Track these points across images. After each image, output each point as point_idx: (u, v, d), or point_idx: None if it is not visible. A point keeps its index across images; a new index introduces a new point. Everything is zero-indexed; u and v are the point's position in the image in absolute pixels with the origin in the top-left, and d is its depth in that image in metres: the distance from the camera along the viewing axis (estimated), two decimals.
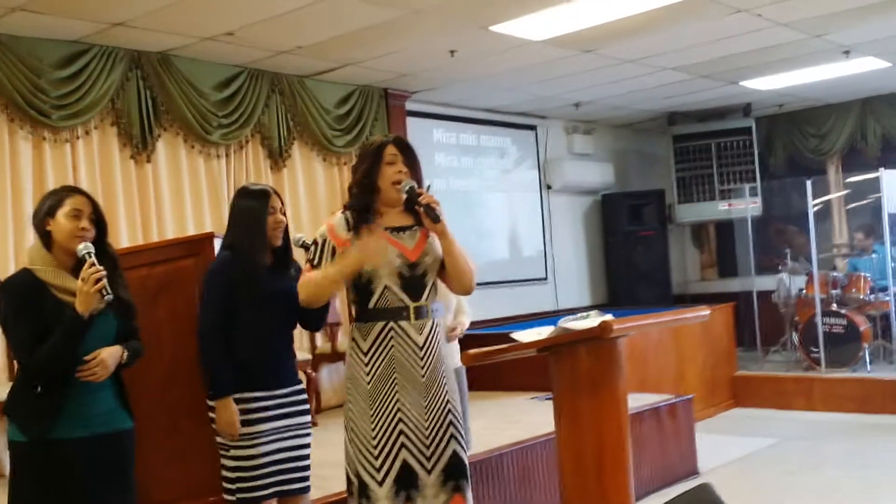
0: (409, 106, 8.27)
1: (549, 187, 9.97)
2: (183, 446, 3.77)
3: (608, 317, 2.71)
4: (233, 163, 6.84)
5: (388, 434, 2.93)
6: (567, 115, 9.96)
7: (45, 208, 2.79)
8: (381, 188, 3.04)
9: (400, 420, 2.94)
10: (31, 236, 5.46)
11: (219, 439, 3.24)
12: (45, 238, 2.76)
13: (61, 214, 2.75)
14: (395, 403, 2.95)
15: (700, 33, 6.85)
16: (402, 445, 2.93)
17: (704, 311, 3.21)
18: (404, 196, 3.03)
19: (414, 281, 2.99)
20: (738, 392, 8.71)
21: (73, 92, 5.79)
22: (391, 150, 3.06)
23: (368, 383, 2.96)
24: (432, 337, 3.01)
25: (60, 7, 5.20)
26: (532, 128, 9.83)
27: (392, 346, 2.97)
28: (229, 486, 3.23)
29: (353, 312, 3.11)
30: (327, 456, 4.90)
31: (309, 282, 3.01)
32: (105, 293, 2.66)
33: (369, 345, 2.98)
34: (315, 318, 3.35)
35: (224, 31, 5.95)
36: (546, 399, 6.68)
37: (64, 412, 2.68)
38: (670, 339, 7.79)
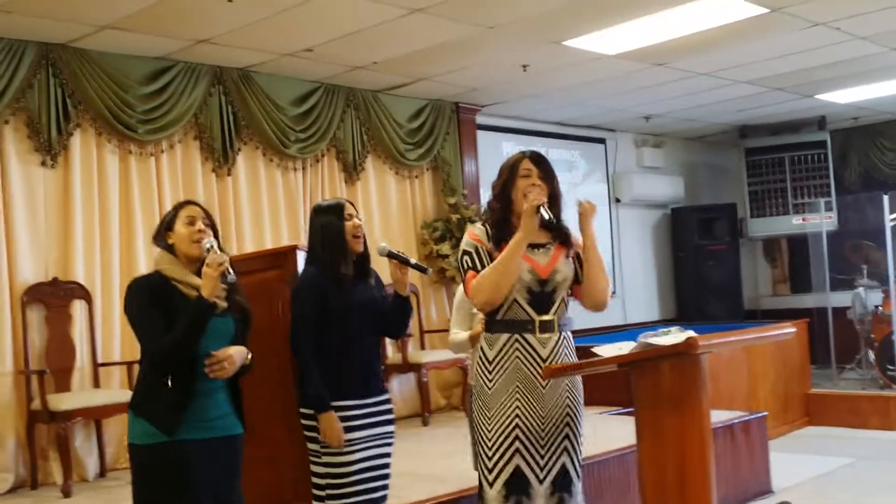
0: (480, 119, 8.34)
1: (617, 200, 9.94)
2: (269, 454, 3.85)
3: (691, 333, 2.72)
4: (309, 176, 6.99)
5: (503, 438, 3.00)
6: (637, 128, 9.93)
7: (164, 225, 2.98)
8: (514, 200, 3.11)
9: (517, 426, 3.00)
10: (116, 246, 5.73)
11: (310, 446, 3.33)
12: (169, 251, 2.94)
13: (178, 225, 2.94)
14: (513, 411, 3.01)
15: (775, 47, 6.79)
16: (517, 451, 3.00)
17: (789, 329, 3.20)
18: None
19: (543, 296, 3.07)
20: (812, 410, 8.53)
21: (158, 107, 5.99)
22: (526, 165, 3.14)
23: (490, 390, 3.05)
24: (557, 350, 3.06)
25: (147, 25, 5.40)
26: (601, 141, 9.82)
27: (516, 357, 3.04)
28: (319, 492, 3.31)
29: (484, 324, 3.19)
30: (400, 466, 4.98)
31: (483, 280, 3.03)
32: (227, 274, 2.80)
33: (494, 354, 3.06)
34: (398, 324, 3.47)
35: (303, 48, 6.10)
36: (617, 414, 6.65)
37: (187, 413, 2.80)
38: (742, 356, 7.68)
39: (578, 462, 3.12)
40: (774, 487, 6.08)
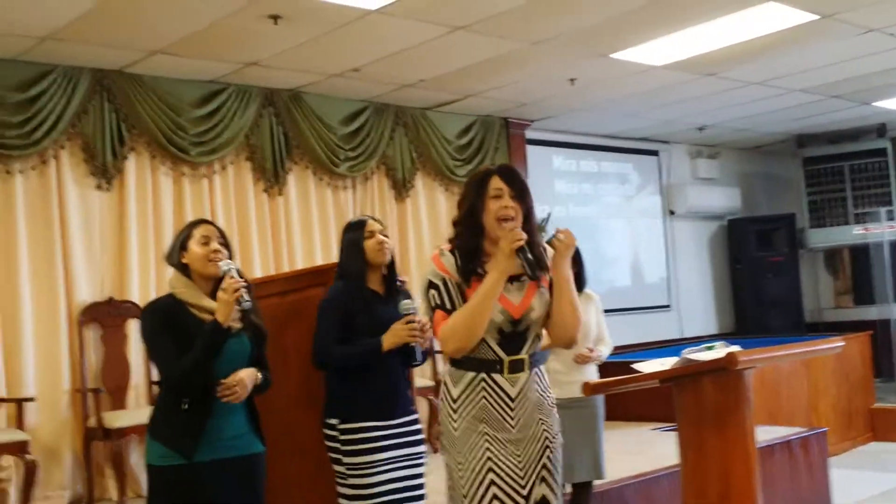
0: (529, 134, 8.32)
1: (672, 213, 9.81)
2: (307, 471, 3.86)
3: (734, 348, 2.66)
4: (359, 194, 7.05)
5: (477, 483, 2.70)
6: (691, 139, 9.80)
7: (178, 244, 2.97)
8: (485, 226, 2.74)
9: (490, 469, 2.70)
10: (169, 266, 5.83)
11: (336, 468, 3.31)
12: (184, 271, 2.94)
13: (192, 244, 2.92)
14: (483, 453, 2.71)
15: (830, 54, 6.65)
16: (494, 496, 2.69)
17: (837, 343, 3.10)
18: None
19: (514, 336, 2.75)
20: (877, 425, 8.29)
21: (210, 129, 6.11)
22: (496, 184, 2.75)
23: (455, 430, 2.73)
24: (527, 387, 2.76)
25: (197, 49, 5.51)
26: (654, 153, 9.71)
27: (483, 396, 2.73)
28: None
29: (448, 358, 2.83)
30: (433, 484, 4.96)
31: (455, 325, 2.68)
32: (242, 300, 2.79)
33: (458, 392, 2.75)
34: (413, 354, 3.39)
35: (350, 68, 6.16)
36: (669, 430, 6.55)
37: (203, 434, 2.80)
38: (802, 370, 7.50)
39: (558, 487, 2.81)
40: None
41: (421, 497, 3.39)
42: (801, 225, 10.14)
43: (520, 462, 2.73)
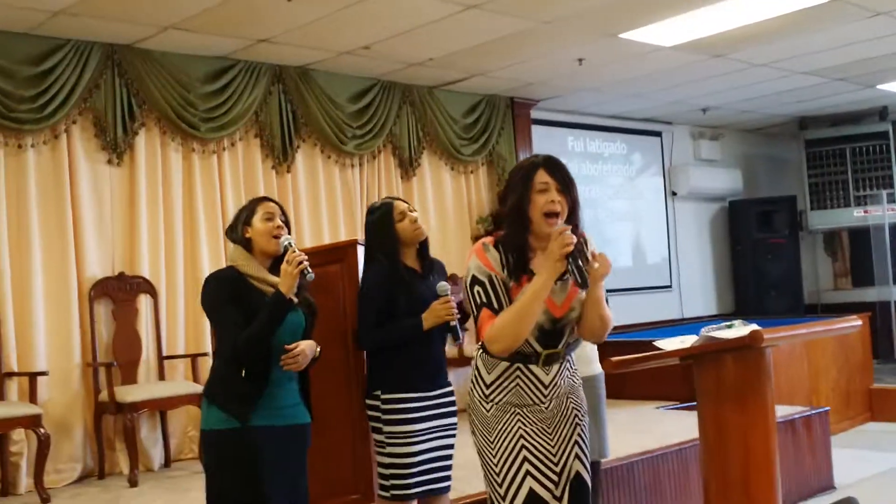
0: (535, 114, 8.34)
1: (674, 194, 9.86)
2: (327, 445, 3.91)
3: (755, 326, 2.70)
4: (366, 172, 7.06)
5: (510, 462, 2.73)
6: (694, 121, 9.83)
7: (242, 219, 3.05)
8: (532, 220, 2.72)
9: (523, 447, 2.73)
10: (180, 241, 5.87)
11: (375, 437, 3.40)
12: (246, 245, 3.01)
13: (256, 220, 3.00)
14: (516, 431, 2.74)
15: (836, 37, 6.67)
16: (528, 473, 2.72)
17: (856, 322, 3.15)
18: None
19: (553, 333, 2.76)
20: (875, 405, 8.38)
21: (219, 105, 6.11)
22: (542, 178, 2.72)
23: (488, 411, 2.76)
24: (560, 374, 2.80)
25: (208, 25, 5.50)
26: (657, 134, 9.74)
27: (516, 384, 2.76)
28: (384, 482, 3.38)
29: (481, 344, 2.82)
30: (463, 457, 5.02)
31: (502, 327, 2.65)
32: (306, 272, 2.88)
33: (493, 379, 2.77)
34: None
35: (360, 46, 6.16)
36: (672, 409, 6.62)
37: (259, 401, 2.88)
38: (803, 351, 7.57)
39: (588, 465, 2.83)
40: (837, 483, 6.00)
41: (450, 467, 3.47)
42: (802, 207, 10.19)
43: (552, 439, 2.77)
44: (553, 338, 2.76)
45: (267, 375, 2.90)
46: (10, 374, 5.21)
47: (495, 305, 2.69)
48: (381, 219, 3.45)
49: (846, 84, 8.39)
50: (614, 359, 2.87)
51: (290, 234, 3.03)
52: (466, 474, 4.55)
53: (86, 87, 5.55)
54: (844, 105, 9.41)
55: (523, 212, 2.72)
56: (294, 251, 2.90)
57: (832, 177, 9.95)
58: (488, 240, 2.79)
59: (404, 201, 3.54)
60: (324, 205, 6.76)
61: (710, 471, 2.80)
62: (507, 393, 2.76)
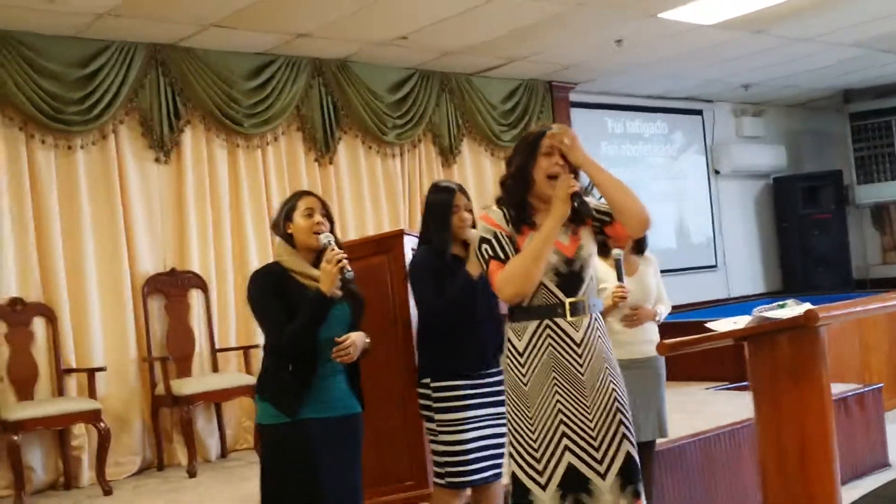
0: (573, 97, 8.30)
1: (717, 172, 9.76)
2: (380, 434, 3.96)
3: (808, 305, 2.69)
4: (406, 161, 7.11)
5: (549, 436, 2.74)
6: (735, 98, 9.71)
7: (283, 214, 3.06)
8: (535, 181, 2.82)
9: (561, 422, 2.74)
10: (228, 236, 5.96)
11: (427, 425, 3.44)
12: (289, 240, 3.04)
13: (297, 216, 3.01)
14: (555, 405, 2.75)
15: (878, 7, 6.55)
16: (566, 448, 2.73)
17: None
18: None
19: (571, 277, 2.80)
20: None
21: (262, 101, 6.18)
22: (547, 144, 2.82)
23: (526, 384, 2.77)
24: (591, 334, 2.81)
25: (248, 22, 5.56)
26: (698, 112, 9.64)
27: (549, 344, 2.77)
28: (439, 469, 3.41)
29: (508, 313, 2.90)
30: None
31: (514, 270, 2.75)
32: (346, 271, 2.88)
33: (524, 345, 2.78)
34: None
35: (398, 36, 6.18)
36: (721, 389, 6.58)
37: (308, 393, 2.92)
38: (853, 327, 7.47)
39: (635, 444, 2.83)
40: (892, 461, 5.93)
41: (501, 455, 3.46)
42: (848, 181, 10.03)
43: (590, 413, 2.77)
44: (572, 283, 2.81)
45: (314, 369, 2.92)
46: (69, 371, 5.35)
47: (502, 256, 2.78)
48: (443, 201, 3.45)
49: (890, 55, 8.23)
50: (667, 341, 2.86)
51: (332, 226, 3.03)
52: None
53: (131, 87, 5.66)
54: (889, 76, 9.23)
55: (527, 172, 2.83)
56: (333, 249, 2.90)
57: (878, 149, 9.78)
58: (492, 204, 2.91)
59: (466, 195, 3.52)
60: (367, 195, 6.81)
61: (766, 452, 2.79)
62: (542, 356, 2.77)
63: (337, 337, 2.93)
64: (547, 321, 2.78)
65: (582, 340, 2.78)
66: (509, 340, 2.84)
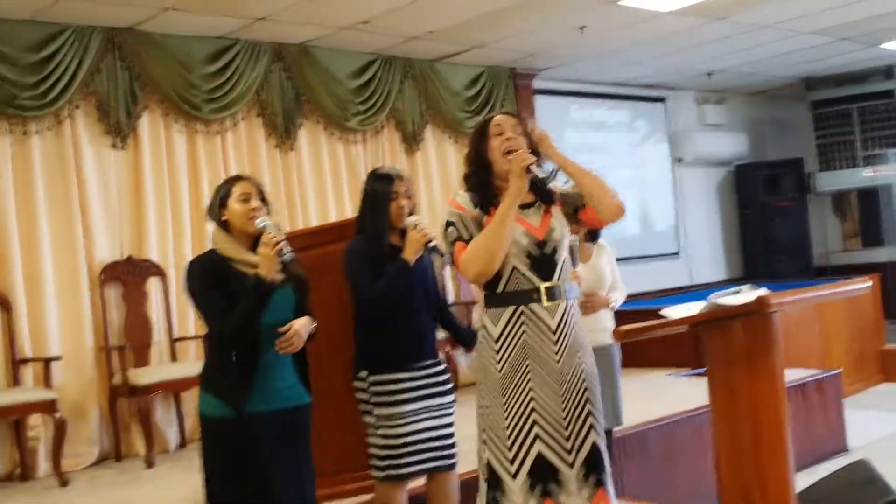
0: (537, 84, 8.30)
1: (679, 160, 9.81)
2: (338, 421, 3.93)
3: (762, 291, 2.70)
4: (370, 148, 7.05)
5: (520, 425, 2.76)
6: (698, 86, 9.76)
7: (218, 200, 2.98)
8: (492, 161, 2.87)
9: (533, 410, 2.76)
10: (187, 223, 5.88)
11: (366, 419, 3.37)
12: (224, 227, 2.96)
13: (232, 201, 2.94)
14: (527, 392, 2.76)
15: None
16: (537, 437, 2.75)
17: (864, 283, 3.14)
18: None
19: (543, 260, 2.82)
20: (888, 366, 8.37)
21: (221, 86, 6.10)
22: (496, 122, 2.90)
23: (499, 371, 2.79)
24: (566, 320, 2.82)
25: (207, 5, 5.48)
26: (661, 100, 9.68)
27: (524, 331, 2.79)
28: (378, 462, 3.35)
29: (483, 299, 2.92)
30: (466, 431, 5.04)
31: (476, 249, 2.78)
32: (284, 253, 2.82)
33: (500, 331, 2.80)
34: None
35: (360, 20, 6.12)
36: (683, 376, 6.64)
37: (253, 385, 2.85)
38: (814, 313, 7.56)
39: (604, 437, 2.88)
40: (850, 446, 6.01)
41: (452, 446, 3.45)
42: (810, 169, 10.14)
43: (562, 404, 2.78)
44: (545, 266, 2.83)
45: (257, 359, 2.85)
46: (25, 361, 5.25)
47: (466, 237, 2.84)
48: (381, 189, 3.39)
49: (851, 43, 8.31)
50: (621, 328, 2.89)
51: (269, 213, 2.96)
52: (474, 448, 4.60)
53: (87, 71, 5.55)
54: (850, 65, 9.34)
55: (483, 157, 2.90)
56: (269, 232, 2.84)
57: (839, 137, 9.89)
58: (460, 190, 2.97)
59: (405, 181, 3.45)
60: (329, 182, 6.76)
61: (720, 437, 2.81)
62: (517, 342, 2.79)
63: (282, 323, 2.87)
64: (523, 307, 2.80)
65: (557, 327, 2.81)
66: (485, 327, 2.86)
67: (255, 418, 2.83)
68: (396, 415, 3.31)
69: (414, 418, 3.33)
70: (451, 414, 3.47)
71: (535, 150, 2.90)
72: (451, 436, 3.45)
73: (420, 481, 3.53)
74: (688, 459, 5.02)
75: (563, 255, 2.89)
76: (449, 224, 2.88)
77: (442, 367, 3.48)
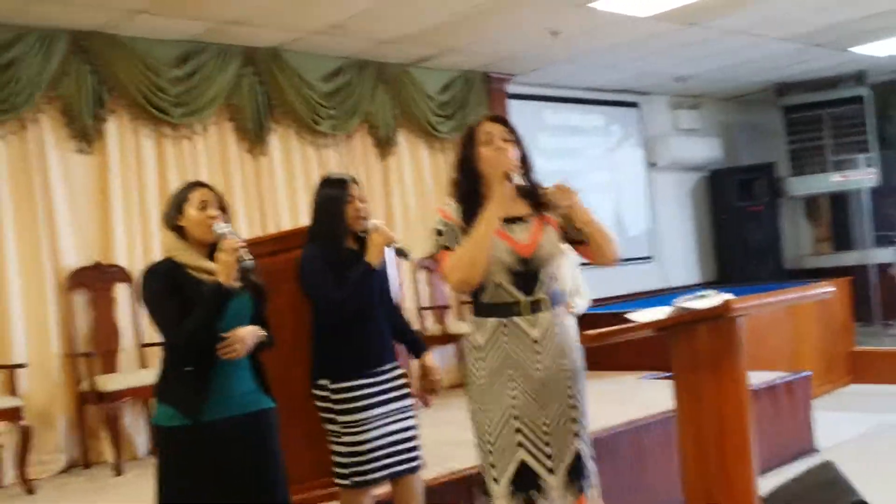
0: (511, 89, 8.30)
1: (653, 165, 9.85)
2: (305, 428, 3.89)
3: (728, 295, 2.71)
4: (342, 152, 7.02)
5: (501, 432, 2.77)
6: (671, 90, 9.81)
7: (174, 206, 2.91)
8: (481, 172, 2.83)
9: (515, 417, 2.76)
10: (155, 229, 5.83)
11: (329, 427, 3.34)
12: (180, 233, 2.89)
13: (189, 207, 2.86)
14: (509, 400, 2.77)
15: (808, 2, 6.66)
16: (519, 444, 2.75)
17: (827, 289, 3.16)
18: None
19: (527, 276, 2.79)
20: (857, 368, 8.44)
21: (191, 90, 6.05)
22: (484, 129, 2.84)
23: (481, 378, 2.81)
24: (549, 330, 2.81)
25: (175, 8, 5.44)
26: (635, 105, 9.72)
27: (506, 341, 2.79)
28: (342, 470, 3.32)
29: (472, 306, 2.92)
30: (444, 435, 5.02)
31: (458, 257, 2.76)
32: (243, 259, 2.76)
33: (483, 340, 2.82)
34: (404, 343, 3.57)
35: (330, 24, 6.10)
36: (655, 378, 6.65)
37: (210, 393, 2.79)
38: (785, 316, 7.62)
39: (588, 443, 2.88)
40: (818, 446, 6.05)
41: (415, 448, 3.43)
42: (782, 174, 10.22)
43: (544, 411, 2.78)
44: (529, 282, 2.80)
45: (213, 367, 2.79)
46: None
47: (451, 245, 2.82)
48: (333, 194, 3.33)
49: (822, 49, 8.39)
50: (587, 333, 2.88)
51: (227, 221, 2.88)
52: (449, 451, 4.59)
53: (53, 75, 5.48)
54: (821, 70, 9.42)
55: (471, 165, 2.86)
56: (229, 238, 2.77)
57: (811, 142, 9.97)
58: (449, 200, 2.94)
59: (358, 185, 3.39)
60: (301, 187, 6.70)
61: (685, 440, 2.82)
62: (499, 351, 2.79)
63: (236, 328, 2.81)
64: (505, 319, 2.80)
65: (540, 338, 2.80)
66: (469, 334, 2.88)
67: (211, 426, 2.78)
68: (360, 421, 3.28)
69: (377, 423, 3.31)
70: (412, 416, 3.45)
71: (524, 159, 2.87)
72: (413, 438, 3.43)
73: (384, 487, 3.51)
74: (658, 461, 5.02)
75: (550, 271, 2.85)
76: (436, 232, 2.87)
77: (401, 371, 3.46)
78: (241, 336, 2.81)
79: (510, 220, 2.82)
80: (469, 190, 2.86)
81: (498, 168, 2.77)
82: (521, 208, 2.86)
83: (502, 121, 2.91)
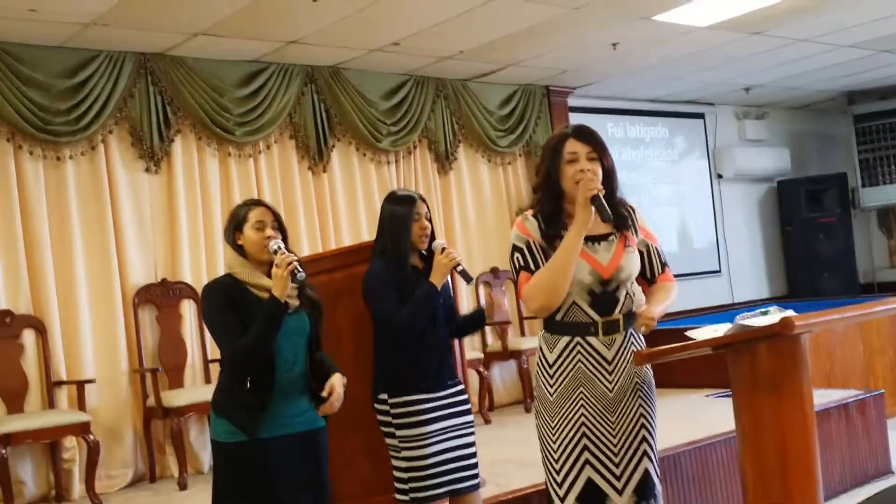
0: (572, 102, 8.24)
1: (719, 176, 9.67)
2: (364, 444, 3.90)
3: (789, 312, 2.62)
4: (402, 168, 7.05)
5: (570, 449, 2.75)
6: (737, 101, 9.63)
7: (233, 225, 3.00)
8: (564, 190, 2.79)
9: (584, 435, 2.74)
10: (219, 247, 5.92)
11: (389, 441, 3.35)
12: (239, 251, 2.98)
13: (247, 228, 2.95)
14: (578, 418, 2.75)
15: (879, 7, 6.47)
16: (587, 462, 2.74)
17: (894, 304, 3.04)
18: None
19: (605, 297, 2.77)
20: None
21: (254, 109, 6.15)
22: (570, 147, 2.78)
23: (552, 395, 2.79)
24: (623, 349, 2.79)
25: (237, 30, 5.54)
26: (700, 116, 9.56)
27: (578, 360, 2.77)
28: (402, 486, 3.32)
29: (543, 323, 2.90)
30: (502, 453, 4.99)
31: (539, 282, 2.73)
32: (297, 272, 2.82)
33: (555, 357, 2.80)
34: (469, 333, 3.66)
35: (390, 42, 6.14)
36: (722, 396, 6.49)
37: (268, 411, 2.85)
38: (857, 332, 7.38)
39: (657, 463, 2.84)
40: (894, 468, 5.83)
41: (475, 465, 3.41)
42: (853, 184, 9.94)
43: (614, 429, 2.76)
44: (607, 304, 2.77)
45: (271, 385, 2.85)
46: (60, 383, 5.32)
47: (532, 268, 2.77)
48: (401, 211, 3.36)
49: (893, 56, 8.14)
50: (643, 351, 2.83)
51: (285, 238, 2.95)
52: (507, 469, 4.55)
53: (120, 96, 5.63)
54: (893, 77, 9.14)
55: (555, 183, 2.80)
56: (283, 253, 2.84)
57: (883, 151, 9.68)
58: (529, 212, 2.88)
59: (425, 203, 3.42)
60: (361, 204, 6.76)
61: (746, 462, 2.73)
62: (571, 370, 2.77)
63: (294, 348, 2.87)
64: (578, 338, 2.77)
65: (614, 358, 2.78)
66: (541, 350, 2.85)
67: (267, 443, 2.83)
68: (419, 436, 3.28)
69: (437, 438, 3.30)
70: (472, 433, 3.43)
71: (609, 173, 2.81)
72: (473, 455, 3.42)
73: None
74: (723, 482, 4.91)
75: (627, 289, 2.81)
76: (516, 250, 2.82)
77: (461, 387, 3.46)
78: (339, 392, 2.93)
79: (593, 239, 2.79)
80: (552, 208, 2.82)
81: (583, 193, 2.70)
82: (604, 227, 2.82)
83: (588, 136, 2.82)
